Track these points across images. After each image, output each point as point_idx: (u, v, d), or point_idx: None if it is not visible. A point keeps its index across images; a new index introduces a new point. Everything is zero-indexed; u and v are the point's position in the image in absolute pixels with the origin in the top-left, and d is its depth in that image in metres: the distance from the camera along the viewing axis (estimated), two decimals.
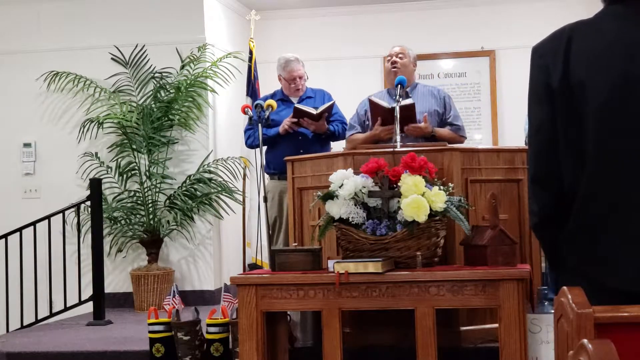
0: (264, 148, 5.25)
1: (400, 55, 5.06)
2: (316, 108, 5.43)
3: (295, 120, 5.38)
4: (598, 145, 2.03)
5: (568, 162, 2.08)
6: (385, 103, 4.72)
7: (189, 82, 6.76)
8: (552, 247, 2.18)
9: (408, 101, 4.69)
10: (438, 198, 3.58)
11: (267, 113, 5.04)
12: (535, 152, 2.16)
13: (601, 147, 2.03)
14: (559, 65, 2.07)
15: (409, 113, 4.62)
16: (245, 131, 5.79)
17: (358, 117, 5.09)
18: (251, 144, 5.70)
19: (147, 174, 6.74)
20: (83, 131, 6.82)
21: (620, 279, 2.00)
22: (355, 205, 3.67)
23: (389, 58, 5.10)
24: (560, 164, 2.10)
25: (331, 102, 5.44)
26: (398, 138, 4.25)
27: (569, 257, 2.11)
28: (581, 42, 2.07)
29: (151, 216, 6.68)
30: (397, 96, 4.50)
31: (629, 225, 2.01)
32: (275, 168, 5.48)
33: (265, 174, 5.37)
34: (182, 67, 6.88)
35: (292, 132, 5.45)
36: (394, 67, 4.99)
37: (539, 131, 2.13)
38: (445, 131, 4.90)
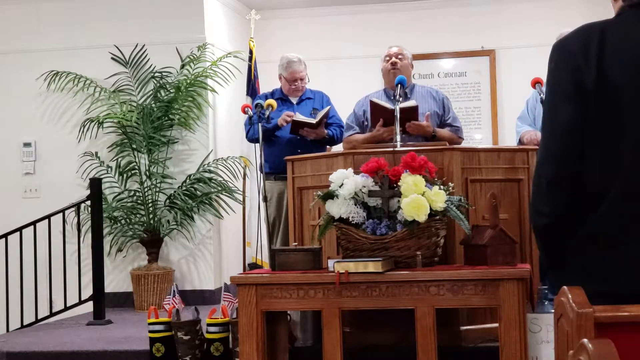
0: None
1: (399, 56, 5.04)
2: (314, 111, 5.44)
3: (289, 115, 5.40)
4: (634, 149, 2.00)
5: (594, 164, 2.04)
6: (387, 104, 4.70)
7: (189, 81, 6.76)
8: (556, 248, 2.16)
9: (411, 103, 4.67)
10: (438, 198, 3.58)
11: (267, 112, 5.05)
12: (556, 152, 2.09)
13: (637, 151, 2.00)
14: (592, 66, 2.02)
15: (412, 115, 4.62)
16: (245, 124, 5.78)
17: (356, 118, 5.06)
18: (251, 137, 5.68)
19: (147, 173, 6.74)
20: (83, 131, 6.81)
21: None
22: (356, 204, 3.66)
23: (387, 58, 5.07)
24: (583, 165, 2.06)
25: (327, 108, 5.45)
26: (398, 138, 4.25)
27: (578, 258, 2.08)
28: (614, 45, 2.03)
29: (151, 216, 6.68)
30: (398, 96, 4.50)
31: None
32: (271, 167, 5.45)
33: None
34: (182, 67, 6.88)
35: (290, 134, 5.45)
36: (394, 68, 4.98)
37: (564, 131, 2.07)
38: (445, 132, 4.90)
